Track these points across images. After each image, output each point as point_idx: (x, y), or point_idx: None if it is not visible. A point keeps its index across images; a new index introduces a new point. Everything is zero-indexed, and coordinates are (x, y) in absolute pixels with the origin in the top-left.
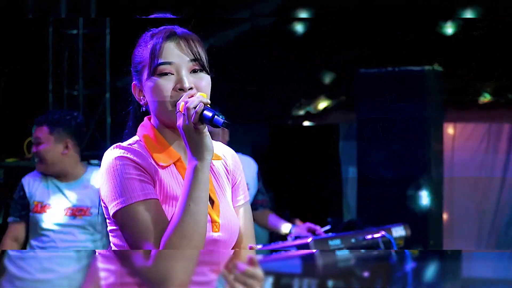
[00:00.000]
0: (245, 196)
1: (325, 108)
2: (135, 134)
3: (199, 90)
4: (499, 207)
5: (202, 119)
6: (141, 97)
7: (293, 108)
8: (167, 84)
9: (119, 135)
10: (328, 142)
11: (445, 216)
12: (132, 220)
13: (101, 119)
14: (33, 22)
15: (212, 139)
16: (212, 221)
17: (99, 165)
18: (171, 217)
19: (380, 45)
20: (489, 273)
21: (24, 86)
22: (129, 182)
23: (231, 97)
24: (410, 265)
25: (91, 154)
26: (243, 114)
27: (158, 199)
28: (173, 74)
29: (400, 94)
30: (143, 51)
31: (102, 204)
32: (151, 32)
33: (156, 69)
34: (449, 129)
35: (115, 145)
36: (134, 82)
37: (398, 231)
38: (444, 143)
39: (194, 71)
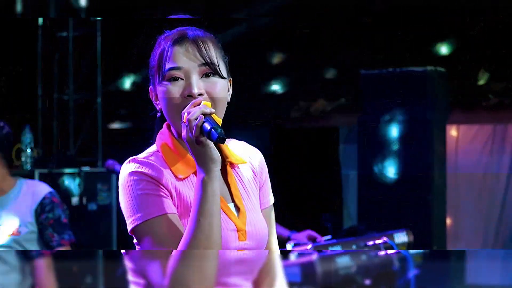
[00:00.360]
0: (271, 198)
1: (325, 110)
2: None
3: (211, 96)
4: (505, 210)
5: (202, 131)
6: (157, 102)
7: (292, 110)
8: (175, 90)
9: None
10: (328, 144)
11: (448, 220)
12: (148, 236)
13: (92, 125)
14: (21, 24)
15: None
16: (238, 230)
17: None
18: (183, 239)
19: (381, 46)
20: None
21: (12, 91)
22: (144, 198)
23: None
24: (413, 272)
25: (83, 161)
26: (243, 115)
27: (175, 213)
28: (182, 79)
29: (402, 96)
30: (155, 55)
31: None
32: (164, 35)
33: (165, 74)
34: (453, 131)
35: (130, 159)
36: (150, 86)
37: (401, 237)
38: (447, 145)
39: (206, 75)
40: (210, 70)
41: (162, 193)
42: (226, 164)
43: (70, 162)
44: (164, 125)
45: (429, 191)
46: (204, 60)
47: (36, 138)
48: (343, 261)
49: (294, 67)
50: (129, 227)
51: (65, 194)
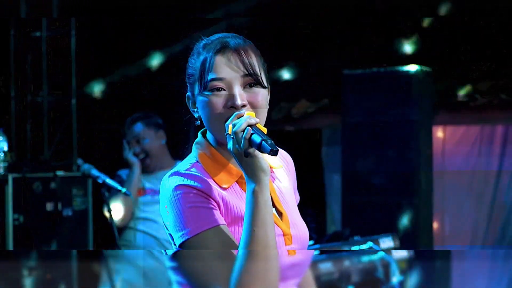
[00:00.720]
0: (297, 197)
1: (307, 111)
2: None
3: (254, 106)
4: (493, 214)
5: (251, 143)
6: (195, 110)
7: (273, 111)
8: (218, 101)
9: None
10: (311, 146)
11: (435, 225)
12: (200, 250)
13: (67, 127)
14: None
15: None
16: (284, 234)
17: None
18: (239, 246)
19: (365, 45)
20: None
21: None
22: (194, 211)
23: None
24: (397, 279)
25: (58, 165)
26: None
27: (225, 224)
28: (225, 90)
29: (386, 96)
30: (195, 63)
31: (167, 233)
32: (203, 42)
33: (207, 85)
34: (439, 132)
35: (172, 172)
36: (187, 93)
37: (386, 242)
38: (433, 147)
39: (249, 85)
40: (252, 81)
41: (211, 205)
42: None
43: (44, 166)
44: (200, 135)
45: (415, 194)
46: (247, 70)
47: (9, 142)
48: (326, 267)
49: (275, 67)
50: (178, 241)
51: (39, 199)
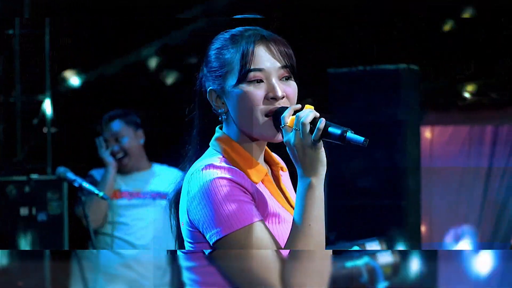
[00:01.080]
0: None
1: None
2: (200, 145)
3: (288, 99)
4: (483, 216)
5: (325, 135)
6: (220, 104)
7: None
8: (259, 93)
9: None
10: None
11: (423, 228)
12: (243, 245)
13: (40, 128)
14: None
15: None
16: None
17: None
18: (287, 242)
19: (350, 43)
20: None
21: None
22: (236, 204)
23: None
24: (382, 285)
25: (33, 168)
26: None
27: (263, 220)
28: (263, 82)
29: (372, 96)
30: (226, 54)
31: (188, 231)
32: (230, 34)
33: (246, 76)
34: (427, 133)
35: (205, 165)
36: (211, 88)
37: (373, 246)
38: (421, 148)
39: (286, 78)
40: (288, 73)
41: (249, 200)
42: (279, 169)
43: (17, 169)
44: (218, 130)
45: (402, 196)
46: (285, 62)
47: None
48: None
49: None
50: (214, 238)
51: (13, 204)
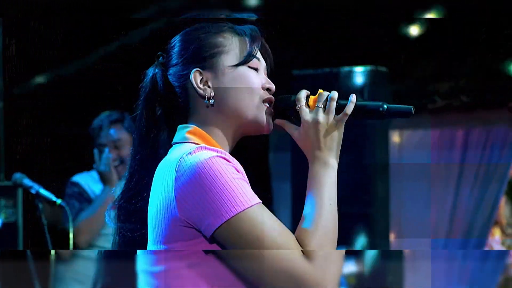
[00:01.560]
0: None
1: None
2: (162, 145)
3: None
4: (454, 224)
5: (358, 111)
6: (206, 88)
7: None
8: (258, 79)
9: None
10: (257, 153)
11: (392, 237)
12: (255, 224)
13: None
14: None
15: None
16: None
17: None
18: (313, 221)
19: (316, 43)
20: None
21: None
22: (240, 183)
23: None
24: None
25: None
26: None
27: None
28: (257, 72)
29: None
30: (215, 38)
31: (171, 230)
32: (221, 24)
33: (248, 60)
34: (395, 137)
35: (196, 147)
36: (196, 69)
37: (349, 267)
38: (390, 153)
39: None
40: (266, 75)
41: (247, 181)
42: None
43: None
44: (187, 125)
45: (370, 203)
46: (270, 66)
47: None
48: None
49: None
50: (223, 218)
51: None
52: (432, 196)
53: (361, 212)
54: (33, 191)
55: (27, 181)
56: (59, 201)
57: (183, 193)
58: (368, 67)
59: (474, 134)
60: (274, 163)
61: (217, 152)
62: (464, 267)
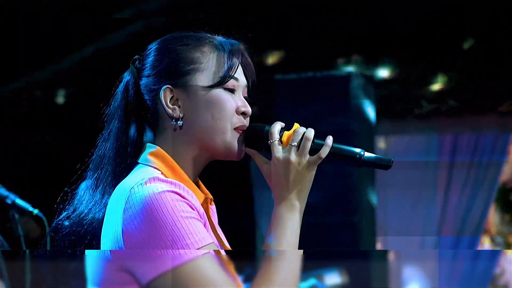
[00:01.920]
0: None
1: None
2: (124, 161)
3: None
4: (442, 231)
5: (333, 155)
6: (175, 107)
7: None
8: (232, 103)
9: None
10: (238, 162)
11: (378, 246)
12: (206, 275)
13: None
14: None
15: None
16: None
17: None
18: (270, 268)
19: (299, 47)
20: None
21: None
22: (191, 222)
23: None
24: None
25: None
26: None
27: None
28: (234, 93)
29: (322, 103)
30: (193, 52)
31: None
32: (203, 35)
33: (224, 81)
34: (382, 143)
35: (150, 178)
36: (167, 86)
37: (333, 278)
38: None
39: (246, 97)
40: (246, 94)
41: (200, 219)
42: (208, 201)
43: None
44: (152, 145)
45: (356, 212)
46: (251, 83)
47: None
48: None
49: None
50: (159, 270)
51: None
52: (418, 204)
53: (347, 221)
54: (8, 201)
55: (2, 191)
56: (35, 211)
57: (129, 226)
58: (353, 71)
59: (463, 139)
60: (256, 170)
61: (172, 185)
62: (454, 272)
